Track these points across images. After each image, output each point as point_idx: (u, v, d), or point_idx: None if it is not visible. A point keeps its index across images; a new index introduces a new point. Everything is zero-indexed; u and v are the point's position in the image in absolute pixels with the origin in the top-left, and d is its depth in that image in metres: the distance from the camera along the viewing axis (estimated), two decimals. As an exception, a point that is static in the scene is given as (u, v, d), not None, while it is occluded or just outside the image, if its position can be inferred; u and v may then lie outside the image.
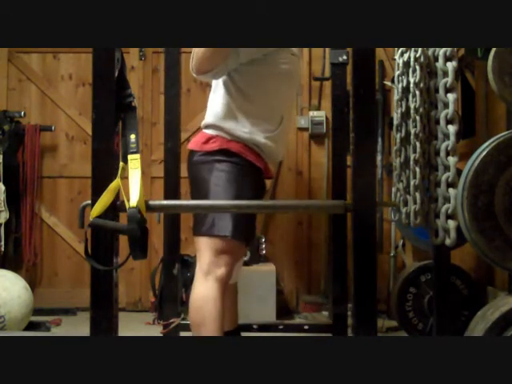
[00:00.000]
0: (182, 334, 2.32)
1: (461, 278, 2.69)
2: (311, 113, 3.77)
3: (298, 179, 3.81)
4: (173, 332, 2.30)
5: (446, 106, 1.56)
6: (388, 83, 3.58)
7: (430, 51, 1.64)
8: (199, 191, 1.86)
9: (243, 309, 2.48)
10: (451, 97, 1.54)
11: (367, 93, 1.45)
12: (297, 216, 3.77)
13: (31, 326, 3.11)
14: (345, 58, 2.52)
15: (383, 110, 3.64)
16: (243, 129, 1.86)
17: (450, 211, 1.53)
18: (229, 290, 1.93)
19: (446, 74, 1.56)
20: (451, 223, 1.52)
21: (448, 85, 1.55)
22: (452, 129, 1.53)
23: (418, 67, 1.63)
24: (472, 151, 1.53)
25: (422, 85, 1.62)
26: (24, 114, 3.69)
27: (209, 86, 2.07)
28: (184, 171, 2.05)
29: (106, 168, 1.43)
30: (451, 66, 1.55)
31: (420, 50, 1.63)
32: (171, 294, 2.42)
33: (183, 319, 2.34)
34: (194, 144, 1.93)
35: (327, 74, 3.46)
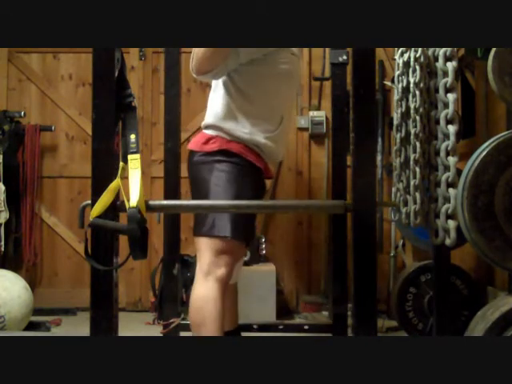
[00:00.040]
0: (182, 333, 2.32)
1: (461, 278, 2.69)
2: (311, 113, 3.77)
3: (298, 179, 3.81)
4: (173, 332, 2.30)
5: (446, 106, 1.56)
6: (388, 83, 3.58)
7: (430, 51, 1.64)
8: (199, 191, 1.87)
9: (243, 309, 2.48)
10: (451, 97, 1.54)
11: (367, 93, 1.45)
12: (297, 216, 3.77)
13: (31, 325, 3.11)
14: (345, 57, 2.52)
15: (383, 110, 3.64)
16: (243, 129, 1.86)
17: (450, 211, 1.53)
18: (229, 290, 1.93)
19: (446, 73, 1.56)
20: (451, 223, 1.52)
21: (448, 85, 1.55)
22: (452, 129, 1.53)
23: (417, 67, 1.63)
24: (472, 151, 1.53)
25: (422, 85, 1.62)
26: (24, 113, 3.69)
27: (209, 86, 2.07)
28: (184, 171, 2.05)
29: (105, 168, 1.43)
30: (451, 66, 1.55)
31: (420, 50, 1.63)
32: (171, 293, 2.42)
33: (183, 319, 2.34)
34: (193, 144, 1.93)
35: (327, 74, 3.46)
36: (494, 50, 1.51)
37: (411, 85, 1.68)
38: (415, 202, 1.66)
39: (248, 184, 1.85)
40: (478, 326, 1.72)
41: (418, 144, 1.64)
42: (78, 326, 3.26)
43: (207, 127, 1.91)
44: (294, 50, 1.93)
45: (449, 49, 1.56)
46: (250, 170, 1.88)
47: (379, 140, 3.59)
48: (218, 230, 1.79)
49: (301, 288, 3.78)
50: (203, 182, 1.85)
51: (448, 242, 1.53)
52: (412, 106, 1.67)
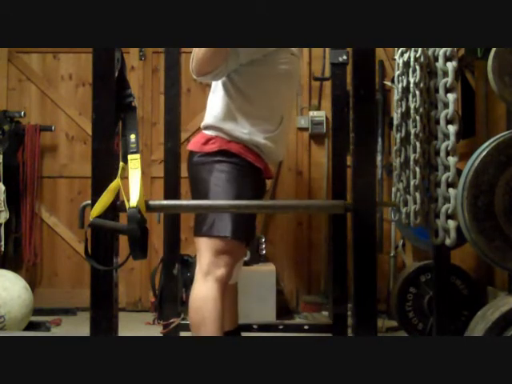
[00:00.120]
0: (182, 334, 2.32)
1: (461, 278, 2.68)
2: (311, 113, 3.77)
3: (298, 179, 3.81)
4: (173, 332, 2.30)
5: (446, 106, 1.56)
6: (388, 83, 3.58)
7: (430, 51, 1.64)
8: (199, 192, 1.87)
9: (243, 309, 2.48)
10: (451, 97, 1.54)
11: (367, 93, 1.45)
12: (297, 216, 3.76)
13: (31, 325, 3.10)
14: (345, 57, 2.52)
15: (383, 110, 3.64)
16: (243, 129, 1.86)
17: (450, 211, 1.53)
18: (229, 290, 1.93)
19: (446, 74, 1.56)
20: (451, 223, 1.52)
21: (448, 85, 1.55)
22: (452, 129, 1.53)
23: (417, 67, 1.63)
24: (472, 151, 1.53)
25: (422, 85, 1.62)
26: (24, 113, 3.68)
27: (209, 85, 2.07)
28: (184, 171, 2.05)
29: (105, 168, 1.43)
30: (451, 66, 1.55)
31: (420, 50, 1.63)
32: (171, 293, 2.42)
33: (183, 319, 2.34)
34: (193, 145, 1.93)
35: (327, 73, 3.46)
36: (493, 49, 1.51)
37: (411, 85, 1.68)
38: (415, 202, 1.66)
39: (248, 184, 1.85)
40: (478, 326, 1.72)
41: (417, 144, 1.64)
42: (78, 326, 3.26)
43: (207, 128, 1.91)
44: (294, 50, 1.93)
45: (449, 49, 1.56)
46: (249, 170, 1.88)
47: (379, 140, 3.58)
48: (217, 230, 1.79)
49: (301, 288, 3.78)
50: (203, 182, 1.85)
51: (448, 241, 1.53)
52: (412, 105, 1.67)
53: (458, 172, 1.52)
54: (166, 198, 2.39)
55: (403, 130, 1.80)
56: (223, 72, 1.82)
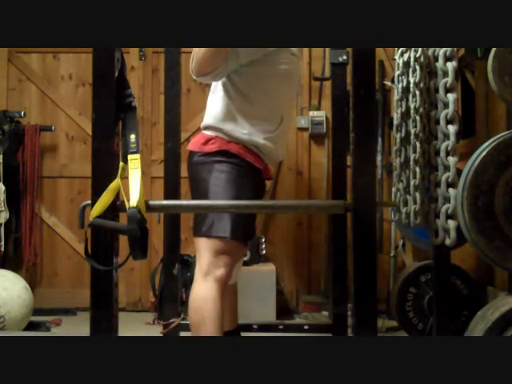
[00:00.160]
0: (182, 334, 2.32)
1: (461, 278, 2.68)
2: (311, 113, 3.77)
3: (298, 179, 3.81)
4: (173, 332, 2.30)
5: (446, 106, 1.56)
6: (388, 83, 3.58)
7: (430, 51, 1.64)
8: (199, 192, 1.87)
9: (243, 309, 2.48)
10: (451, 97, 1.54)
11: (367, 93, 1.45)
12: (297, 216, 3.76)
13: (31, 325, 3.10)
14: (345, 57, 2.52)
15: (383, 110, 3.64)
16: (242, 130, 1.86)
17: (450, 211, 1.53)
18: (228, 290, 1.93)
19: (446, 74, 1.56)
20: (451, 223, 1.52)
21: (448, 85, 1.55)
22: (452, 129, 1.53)
23: (417, 67, 1.63)
24: (472, 151, 1.53)
25: (422, 85, 1.62)
26: (24, 113, 3.68)
27: (208, 86, 2.07)
28: (184, 171, 2.05)
29: (105, 168, 1.43)
30: (451, 66, 1.55)
31: (420, 50, 1.63)
32: (171, 293, 2.42)
33: (183, 319, 2.34)
34: (193, 145, 1.93)
35: (327, 74, 3.46)
36: (493, 50, 1.51)
37: (411, 85, 1.68)
38: (415, 202, 1.66)
39: (247, 185, 1.85)
40: (478, 326, 1.72)
41: (417, 144, 1.64)
42: (78, 326, 3.26)
43: (206, 128, 1.91)
44: (294, 50, 1.93)
45: (449, 49, 1.56)
46: (249, 170, 1.88)
47: (379, 140, 3.58)
48: (217, 230, 1.79)
49: (301, 288, 3.78)
50: (203, 182, 1.85)
51: (448, 241, 1.53)
52: (412, 105, 1.67)
53: (458, 172, 1.52)
54: (166, 197, 2.39)
55: (403, 130, 1.80)
56: (223, 72, 1.81)
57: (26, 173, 3.71)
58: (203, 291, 1.78)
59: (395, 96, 1.88)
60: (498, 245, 1.48)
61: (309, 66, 3.80)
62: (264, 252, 3.59)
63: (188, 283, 2.88)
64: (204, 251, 1.81)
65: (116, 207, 1.43)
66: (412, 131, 1.68)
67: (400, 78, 1.82)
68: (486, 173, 1.47)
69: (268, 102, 1.90)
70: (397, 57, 1.84)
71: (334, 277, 2.58)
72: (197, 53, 1.75)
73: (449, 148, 1.53)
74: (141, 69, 3.89)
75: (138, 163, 1.45)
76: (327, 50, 3.40)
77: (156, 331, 2.57)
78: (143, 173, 1.54)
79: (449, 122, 1.55)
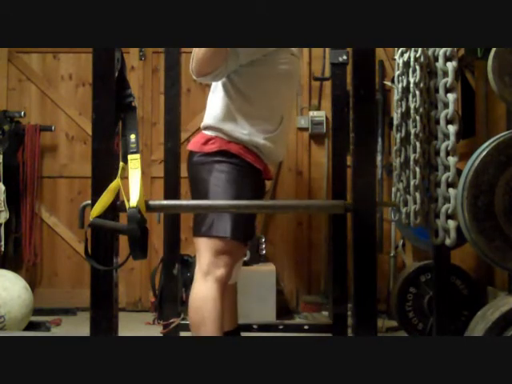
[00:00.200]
0: (182, 334, 2.32)
1: (461, 278, 2.68)
2: (311, 113, 3.77)
3: (298, 179, 3.81)
4: (173, 332, 2.30)
5: (446, 106, 1.56)
6: (388, 83, 3.58)
7: (430, 51, 1.64)
8: (199, 192, 1.87)
9: (243, 309, 2.48)
10: (451, 97, 1.54)
11: (367, 93, 1.45)
12: (297, 216, 3.76)
13: (31, 325, 3.10)
14: (345, 57, 2.52)
15: (383, 110, 3.64)
16: (242, 130, 1.86)
17: (450, 211, 1.53)
18: (228, 290, 1.93)
19: (446, 74, 1.56)
20: (451, 223, 1.52)
21: (448, 85, 1.55)
22: (452, 129, 1.53)
23: (417, 67, 1.63)
24: (472, 151, 1.53)
25: (422, 85, 1.62)
26: (24, 114, 3.68)
27: (208, 85, 2.07)
28: (184, 171, 2.05)
29: (105, 168, 1.43)
30: (451, 66, 1.55)
31: (420, 50, 1.63)
32: (171, 294, 2.42)
33: (183, 319, 2.34)
34: (193, 145, 1.93)
35: (327, 74, 3.46)
36: (493, 50, 1.51)
37: (411, 85, 1.68)
38: (415, 202, 1.66)
39: (247, 185, 1.85)
40: (478, 326, 1.72)
41: (417, 144, 1.64)
42: (78, 326, 3.26)
43: (206, 128, 1.91)
44: (294, 50, 1.93)
45: (449, 49, 1.56)
46: (249, 170, 1.88)
47: (379, 140, 3.58)
48: (217, 230, 1.79)
49: (301, 288, 3.78)
50: (203, 182, 1.85)
51: (448, 241, 1.53)
52: (412, 105, 1.67)
53: (458, 172, 1.52)
54: (166, 197, 2.39)
55: (403, 130, 1.80)
56: (223, 73, 1.81)
57: (25, 173, 3.71)
58: (203, 291, 1.78)
59: (395, 96, 1.88)
60: (498, 245, 1.48)
61: (309, 65, 3.80)
62: (264, 252, 3.59)
63: (188, 283, 2.88)
64: (204, 251, 1.81)
65: (116, 207, 1.43)
66: (412, 131, 1.68)
67: (400, 77, 1.82)
68: (486, 173, 1.47)
69: (268, 102, 1.90)
70: (397, 57, 1.84)
71: (334, 277, 2.58)
72: (197, 53, 1.75)
73: (449, 148, 1.53)
74: (141, 69, 3.89)
75: (138, 163, 1.45)
76: (327, 50, 3.40)
77: (156, 331, 2.57)
78: (143, 173, 1.54)
79: (449, 122, 1.55)
